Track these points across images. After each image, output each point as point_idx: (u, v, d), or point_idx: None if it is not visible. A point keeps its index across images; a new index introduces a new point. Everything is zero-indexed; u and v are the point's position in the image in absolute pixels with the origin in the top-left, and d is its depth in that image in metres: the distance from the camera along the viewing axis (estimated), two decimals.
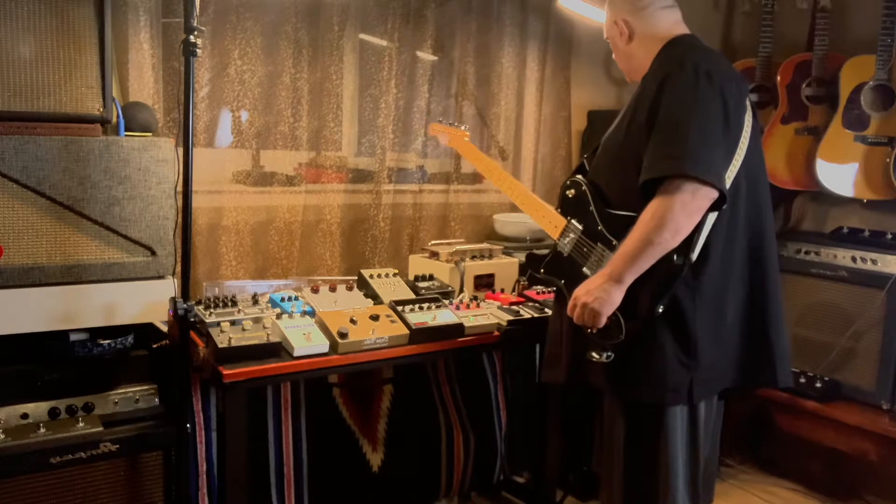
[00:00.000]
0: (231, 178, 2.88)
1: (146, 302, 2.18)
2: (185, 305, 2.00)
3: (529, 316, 2.57)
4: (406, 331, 2.30)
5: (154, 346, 2.29)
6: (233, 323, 2.17)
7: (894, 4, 2.93)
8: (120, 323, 2.17)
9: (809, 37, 3.32)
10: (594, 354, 1.94)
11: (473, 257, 2.84)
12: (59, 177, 2.05)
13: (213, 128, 2.82)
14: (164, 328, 2.33)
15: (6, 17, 2.01)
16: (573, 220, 2.08)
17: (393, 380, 2.79)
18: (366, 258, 3.15)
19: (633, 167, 1.89)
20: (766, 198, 2.04)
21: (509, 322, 2.51)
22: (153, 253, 2.19)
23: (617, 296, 1.85)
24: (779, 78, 3.25)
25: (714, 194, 1.78)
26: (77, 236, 2.09)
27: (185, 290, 2.02)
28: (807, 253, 3.20)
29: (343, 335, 2.19)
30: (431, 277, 2.70)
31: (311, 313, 2.32)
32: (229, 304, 2.29)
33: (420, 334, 2.32)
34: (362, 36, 3.11)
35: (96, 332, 2.18)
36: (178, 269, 2.10)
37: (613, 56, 2.16)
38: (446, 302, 2.51)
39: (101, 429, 2.07)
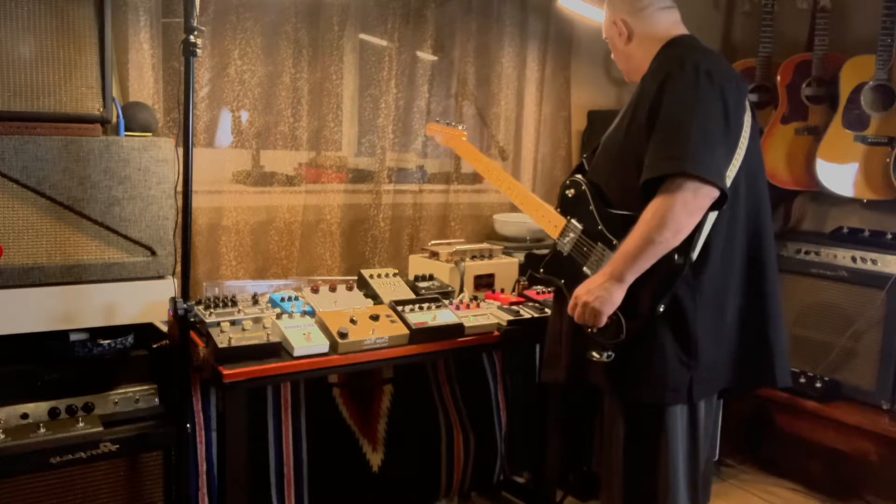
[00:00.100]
0: (231, 178, 2.88)
1: (146, 302, 2.18)
2: (185, 305, 2.00)
3: (529, 316, 2.57)
4: (406, 331, 2.30)
5: (154, 346, 2.29)
6: (233, 323, 2.17)
7: (894, 4, 2.94)
8: (120, 323, 2.17)
9: (809, 37, 3.32)
10: (594, 354, 1.94)
11: (473, 257, 2.84)
12: (59, 177, 2.05)
13: (213, 128, 2.82)
14: (164, 328, 2.33)
15: (6, 17, 2.01)
16: (573, 220, 2.08)
17: (393, 380, 2.79)
18: (366, 258, 3.15)
19: (633, 167, 1.89)
20: (765, 198, 2.04)
21: (509, 322, 2.51)
22: (153, 253, 2.19)
23: (618, 295, 1.85)
24: (779, 78, 3.25)
25: (715, 193, 1.79)
26: (77, 236, 2.09)
27: (185, 290, 2.02)
28: (807, 253, 3.20)
29: (343, 335, 2.19)
30: (431, 277, 2.70)
31: (311, 313, 2.32)
32: (229, 304, 2.29)
33: (420, 334, 2.32)
34: (362, 36, 3.12)
35: (96, 332, 2.18)
36: (178, 269, 2.10)
37: (612, 56, 2.16)
38: (446, 302, 2.51)
39: (101, 429, 2.07)
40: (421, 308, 2.41)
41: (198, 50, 1.95)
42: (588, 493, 2.98)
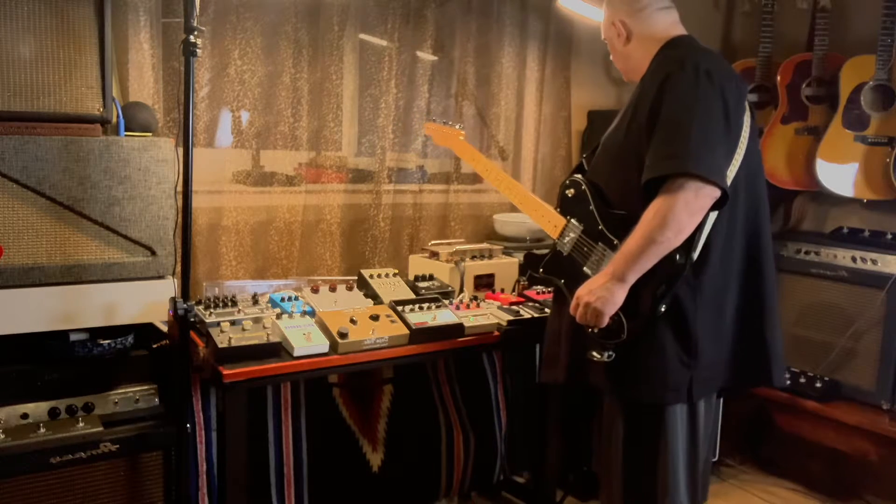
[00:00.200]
0: (231, 178, 2.88)
1: (146, 302, 2.18)
2: (185, 305, 2.00)
3: (529, 316, 2.57)
4: (406, 331, 2.30)
5: (154, 346, 2.28)
6: (233, 323, 2.17)
7: (894, 4, 2.94)
8: (120, 323, 2.17)
9: (809, 37, 3.32)
10: (595, 354, 1.94)
11: (473, 257, 2.84)
12: (59, 177, 2.05)
13: (213, 128, 2.82)
14: (164, 328, 2.33)
15: (6, 17, 2.01)
16: (573, 220, 2.08)
17: (393, 380, 2.79)
18: (366, 258, 3.15)
19: (633, 167, 1.89)
20: (764, 198, 2.04)
21: (509, 322, 2.51)
22: (153, 253, 2.19)
23: (620, 295, 1.85)
24: (779, 78, 3.25)
25: (716, 193, 1.79)
26: (77, 236, 2.09)
27: (185, 290, 2.02)
28: (807, 253, 3.20)
29: (343, 335, 2.19)
30: (431, 277, 2.70)
31: (311, 313, 2.32)
32: (229, 304, 2.29)
33: (420, 334, 2.32)
34: (362, 36, 3.12)
35: (96, 332, 2.18)
36: (178, 269, 2.10)
37: (611, 57, 2.16)
38: (446, 302, 2.51)
39: (101, 429, 2.07)
40: (421, 308, 2.41)
41: (198, 50, 1.95)
42: (588, 493, 2.98)
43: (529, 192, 2.30)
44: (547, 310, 2.55)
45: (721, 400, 3.15)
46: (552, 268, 2.13)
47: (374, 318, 2.31)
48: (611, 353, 1.92)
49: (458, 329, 2.39)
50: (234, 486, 2.14)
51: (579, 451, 2.78)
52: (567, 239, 2.09)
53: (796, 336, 3.20)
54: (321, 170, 3.03)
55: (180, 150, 2.02)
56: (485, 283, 2.82)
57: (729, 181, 1.86)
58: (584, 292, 1.90)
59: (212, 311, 2.23)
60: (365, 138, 3.18)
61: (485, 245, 2.98)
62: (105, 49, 2.14)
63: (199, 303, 2.25)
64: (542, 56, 3.47)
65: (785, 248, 3.27)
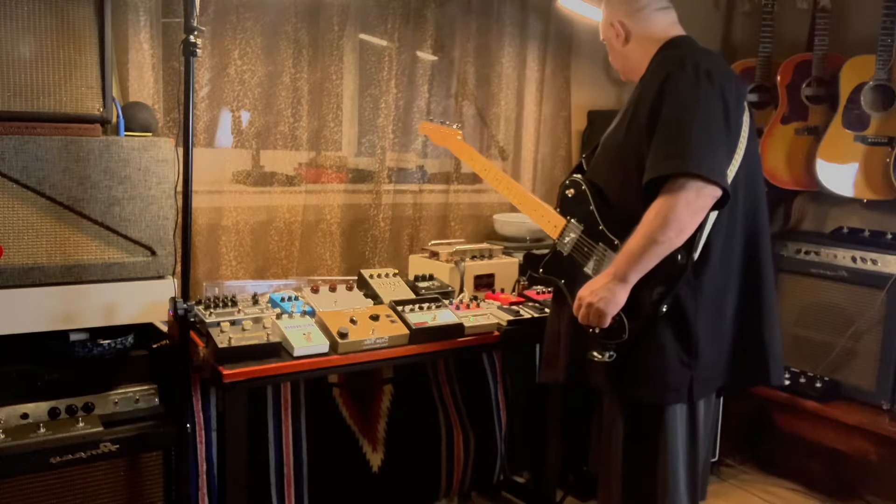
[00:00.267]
0: (231, 178, 2.88)
1: (146, 302, 2.18)
2: (185, 305, 2.00)
3: (529, 316, 2.57)
4: (406, 331, 2.30)
5: (154, 346, 2.28)
6: (233, 323, 2.17)
7: (894, 4, 2.94)
8: (120, 323, 2.17)
9: (809, 37, 3.32)
10: (596, 354, 1.93)
11: (473, 257, 2.84)
12: (59, 177, 2.05)
13: (213, 128, 2.82)
14: (164, 328, 2.33)
15: (6, 17, 2.01)
16: (573, 220, 2.08)
17: (393, 380, 2.79)
18: (366, 258, 3.15)
19: (633, 167, 1.89)
20: (762, 198, 2.04)
21: (509, 322, 2.51)
22: (153, 253, 2.18)
23: (622, 295, 1.85)
24: (779, 78, 3.25)
25: (717, 193, 1.79)
26: (77, 236, 2.09)
27: (185, 290, 2.02)
28: (807, 253, 3.20)
29: (343, 335, 2.19)
30: (431, 277, 2.70)
31: (311, 313, 2.32)
32: (229, 304, 2.29)
33: (420, 334, 2.32)
34: (362, 36, 3.11)
35: (96, 332, 2.18)
36: (178, 269, 2.10)
37: (609, 57, 2.17)
38: (446, 302, 2.51)
39: (101, 429, 2.07)
40: (421, 308, 2.41)
41: (198, 50, 1.95)
42: (588, 493, 2.98)
43: (528, 191, 2.30)
44: (547, 310, 2.55)
45: (721, 400, 3.15)
46: (552, 268, 2.13)
47: (374, 318, 2.31)
48: (612, 353, 1.92)
49: (458, 329, 2.39)
50: (234, 486, 2.14)
51: (579, 451, 2.78)
52: (567, 239, 2.09)
53: (796, 336, 3.20)
54: (321, 170, 3.03)
55: (180, 150, 2.02)
56: (485, 283, 2.82)
57: (729, 181, 1.86)
58: (587, 293, 1.90)
59: (212, 311, 2.22)
60: (365, 138, 3.18)
61: (485, 245, 2.98)
62: (105, 49, 2.14)
63: (199, 303, 2.25)
64: (542, 56, 3.47)
65: (785, 248, 3.27)
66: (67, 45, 2.10)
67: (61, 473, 2.00)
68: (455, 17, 3.25)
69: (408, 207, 3.25)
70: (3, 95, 2.03)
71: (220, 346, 2.05)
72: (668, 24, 2.04)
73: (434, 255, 2.84)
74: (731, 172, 1.88)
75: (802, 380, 3.08)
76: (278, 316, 2.25)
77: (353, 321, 2.26)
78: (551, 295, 2.28)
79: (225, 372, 2.01)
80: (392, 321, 2.32)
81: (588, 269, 2.01)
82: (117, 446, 2.05)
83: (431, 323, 2.35)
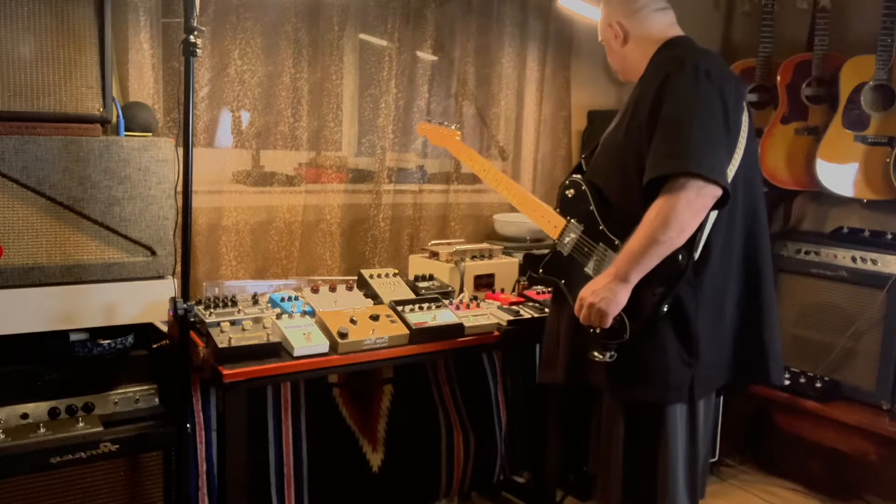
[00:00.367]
0: (231, 178, 2.88)
1: (146, 302, 2.18)
2: (185, 305, 2.00)
3: (529, 316, 2.57)
4: (406, 331, 2.30)
5: (154, 346, 2.28)
6: (233, 323, 2.17)
7: (894, 4, 2.94)
8: (120, 323, 2.17)
9: (809, 37, 3.32)
10: (597, 354, 1.93)
11: (473, 257, 2.84)
12: (59, 177, 2.05)
13: (213, 128, 2.82)
14: (164, 328, 2.33)
15: (6, 17, 2.01)
16: (573, 220, 2.08)
17: (393, 380, 2.79)
18: (366, 258, 3.15)
19: (633, 167, 1.90)
20: (761, 198, 2.05)
21: (509, 322, 2.51)
22: (153, 253, 2.18)
23: (623, 295, 1.85)
24: (779, 78, 3.25)
25: (718, 192, 1.79)
26: (77, 236, 2.09)
27: (185, 290, 2.02)
28: (807, 253, 3.20)
29: (343, 335, 2.19)
30: (431, 277, 2.70)
31: (311, 313, 2.32)
32: (229, 304, 2.29)
33: (420, 334, 2.32)
34: (362, 36, 3.11)
35: (96, 332, 2.18)
36: (178, 269, 2.10)
37: (608, 58, 2.17)
38: (446, 302, 2.51)
39: (101, 429, 2.07)
40: (421, 308, 2.41)
41: (198, 50, 1.95)
42: (588, 493, 2.98)
43: (528, 192, 2.30)
44: (547, 310, 2.55)
45: (721, 399, 3.15)
46: (552, 268, 2.13)
47: (374, 318, 2.31)
48: (613, 353, 1.92)
49: (458, 329, 2.39)
50: (234, 486, 2.14)
51: (579, 451, 2.78)
52: (567, 239, 2.09)
53: (796, 336, 3.21)
54: (321, 170, 3.03)
55: (180, 150, 2.02)
56: (485, 283, 2.82)
57: (728, 181, 1.86)
58: (588, 293, 1.90)
59: (212, 311, 2.22)
60: (365, 138, 3.18)
61: (485, 245, 2.98)
62: (105, 49, 2.14)
63: (199, 303, 2.25)
64: (542, 56, 3.47)
65: (785, 248, 3.27)
66: (67, 45, 2.10)
67: (61, 473, 2.00)
68: (455, 17, 3.25)
69: (408, 207, 3.25)
70: (3, 95, 2.03)
71: (220, 346, 2.05)
72: (666, 25, 2.04)
73: (434, 255, 2.84)
74: (731, 172, 1.88)
75: (802, 380, 3.08)
76: (278, 316, 2.25)
77: (353, 321, 2.26)
78: (551, 295, 2.29)
79: (225, 372, 2.01)
80: (392, 321, 2.32)
81: (588, 270, 2.01)
82: (117, 446, 2.05)
83: (431, 323, 2.35)
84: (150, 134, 2.31)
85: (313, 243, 3.02)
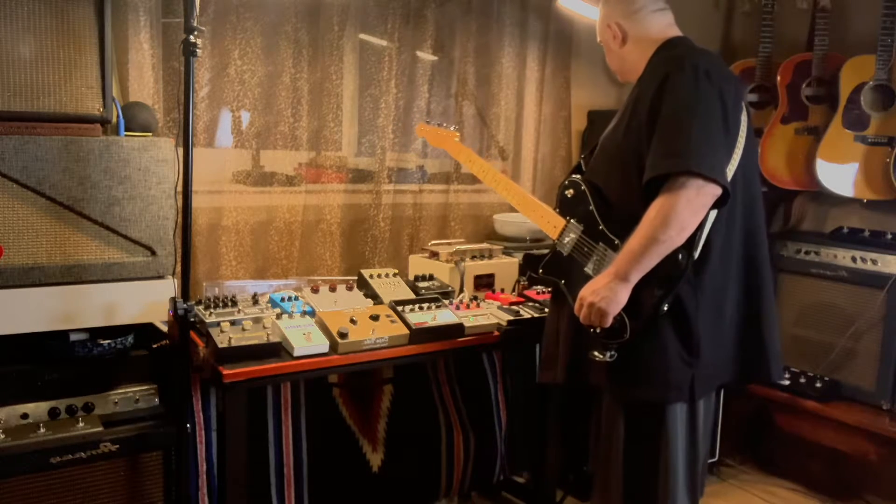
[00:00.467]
0: (231, 178, 2.88)
1: (146, 302, 2.18)
2: (185, 305, 2.00)
3: (529, 316, 2.57)
4: (406, 331, 2.30)
5: (154, 346, 2.28)
6: (233, 323, 2.17)
7: (894, 4, 2.94)
8: (120, 323, 2.17)
9: (809, 37, 3.32)
10: (597, 354, 1.93)
11: (473, 257, 2.84)
12: (59, 177, 2.05)
13: (213, 128, 2.82)
14: (164, 328, 2.33)
15: (6, 17, 2.02)
16: (573, 220, 2.08)
17: (393, 380, 2.79)
18: (366, 258, 3.15)
19: (632, 166, 1.90)
20: (759, 197, 2.05)
21: (509, 322, 2.51)
22: (153, 253, 2.19)
23: (623, 295, 1.85)
24: (779, 78, 3.25)
25: (718, 191, 1.79)
26: (77, 236, 2.09)
27: (185, 290, 2.02)
28: (807, 253, 3.20)
29: (343, 335, 2.19)
30: (431, 277, 2.70)
31: (311, 313, 2.32)
32: (229, 304, 2.29)
33: (420, 334, 2.32)
34: (362, 36, 3.12)
35: (96, 332, 2.18)
36: (178, 269, 2.10)
37: (606, 59, 2.17)
38: (446, 302, 2.51)
39: (101, 429, 2.07)
40: (421, 308, 2.41)
41: (198, 50, 1.95)
42: (588, 493, 2.98)
43: (527, 192, 2.30)
44: (547, 310, 2.55)
45: (720, 399, 3.15)
46: (552, 268, 2.13)
47: (374, 318, 2.31)
48: (613, 352, 1.92)
49: (458, 329, 2.39)
50: (234, 486, 2.14)
51: (579, 451, 2.78)
52: (567, 239, 2.09)
53: (796, 336, 3.21)
54: (321, 170, 3.03)
55: (180, 150, 2.02)
56: (485, 283, 2.82)
57: (728, 180, 1.86)
58: (588, 292, 1.90)
59: (212, 311, 2.22)
60: (365, 138, 3.18)
61: (485, 245, 2.98)
62: (105, 49, 2.14)
63: (199, 303, 2.25)
64: (542, 56, 3.47)
65: (785, 248, 3.27)
66: (67, 45, 2.10)
67: (61, 473, 2.00)
68: (455, 17, 3.25)
69: (408, 207, 3.25)
70: (3, 95, 2.03)
71: (220, 346, 2.05)
72: (665, 26, 2.04)
73: (434, 255, 2.84)
74: (730, 171, 1.88)
75: (802, 380, 3.08)
76: (278, 316, 2.25)
77: (353, 321, 2.26)
78: (550, 295, 2.29)
79: (225, 372, 2.01)
80: (392, 321, 2.32)
81: (588, 269, 2.01)
82: (117, 446, 2.05)
83: (431, 323, 2.35)
84: (150, 134, 2.31)
85: (313, 243, 3.02)
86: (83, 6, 2.11)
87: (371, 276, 2.59)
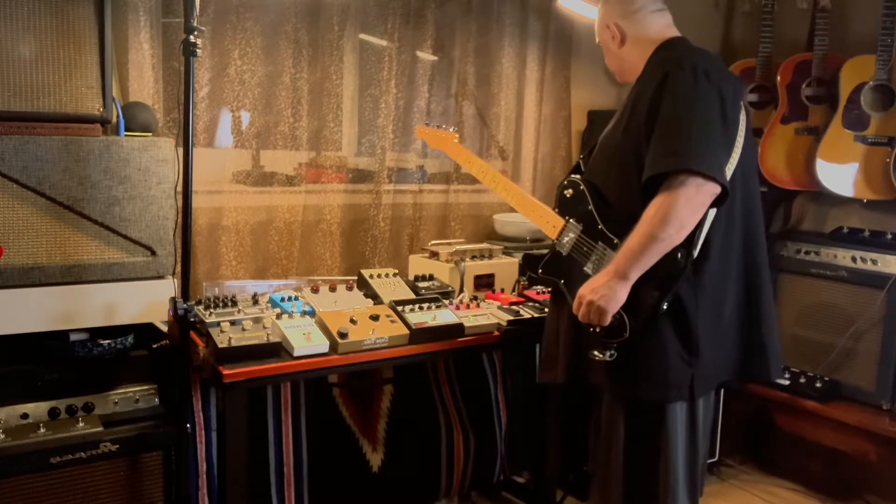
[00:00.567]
0: (231, 178, 2.88)
1: (146, 302, 2.19)
2: (185, 305, 2.01)
3: (529, 316, 2.57)
4: (406, 331, 2.30)
5: (154, 346, 2.29)
6: (233, 323, 2.17)
7: (894, 4, 2.94)
8: (120, 323, 2.17)
9: (809, 37, 3.32)
10: (597, 353, 1.93)
11: (473, 257, 2.84)
12: (59, 177, 2.05)
13: (213, 128, 2.82)
14: (164, 328, 2.33)
15: (6, 17, 2.02)
16: (572, 220, 2.09)
17: (393, 380, 2.79)
18: (366, 258, 3.15)
19: (631, 165, 1.90)
20: (758, 197, 2.06)
21: (509, 322, 2.51)
22: (153, 253, 2.19)
23: (622, 293, 1.85)
24: (779, 78, 3.25)
25: (717, 189, 1.79)
26: (77, 236, 2.09)
27: (185, 290, 2.02)
28: (807, 253, 3.20)
29: (343, 335, 2.19)
30: (431, 277, 2.70)
31: (311, 313, 2.32)
32: (229, 304, 2.29)
33: (420, 334, 2.32)
34: (362, 36, 3.12)
35: (96, 332, 2.18)
36: (178, 269, 2.10)
37: (605, 59, 2.18)
38: (446, 302, 2.51)
39: (101, 429, 2.07)
40: (421, 308, 2.41)
41: (198, 50, 1.95)
42: (588, 493, 2.98)
43: (527, 193, 2.30)
44: (547, 310, 2.55)
45: (720, 399, 3.15)
46: (551, 268, 2.13)
47: (374, 318, 2.31)
48: (613, 351, 1.92)
49: (458, 329, 2.39)
50: (234, 486, 2.15)
51: (579, 451, 2.78)
52: (566, 239, 2.09)
53: (796, 336, 3.21)
54: (321, 170, 3.03)
55: (180, 150, 2.02)
56: (485, 283, 2.82)
57: (727, 179, 1.86)
58: (587, 291, 1.90)
59: (212, 311, 2.22)
60: (365, 138, 3.18)
61: (485, 245, 2.98)
62: (105, 49, 2.14)
63: (199, 303, 2.25)
64: (542, 56, 3.47)
65: (785, 248, 3.27)
66: (67, 45, 2.10)
67: (61, 473, 2.00)
68: (455, 17, 3.25)
69: (408, 207, 3.25)
70: (3, 95, 2.03)
71: (220, 346, 2.05)
72: (663, 26, 2.05)
73: (434, 255, 2.84)
74: (729, 170, 1.89)
75: (802, 380, 3.08)
76: (278, 316, 2.25)
77: (353, 321, 2.26)
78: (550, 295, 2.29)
79: (225, 372, 2.01)
80: (392, 321, 2.32)
81: (588, 269, 2.01)
82: (117, 446, 2.06)
83: (431, 323, 2.35)
84: (150, 134, 2.31)
85: (313, 243, 3.02)
86: (83, 6, 2.11)
87: (371, 276, 2.59)
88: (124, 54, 2.53)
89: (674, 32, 2.05)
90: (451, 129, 2.52)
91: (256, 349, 2.10)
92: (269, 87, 2.86)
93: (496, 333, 2.48)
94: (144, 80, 2.56)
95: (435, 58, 3.23)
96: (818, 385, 3.04)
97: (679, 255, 1.83)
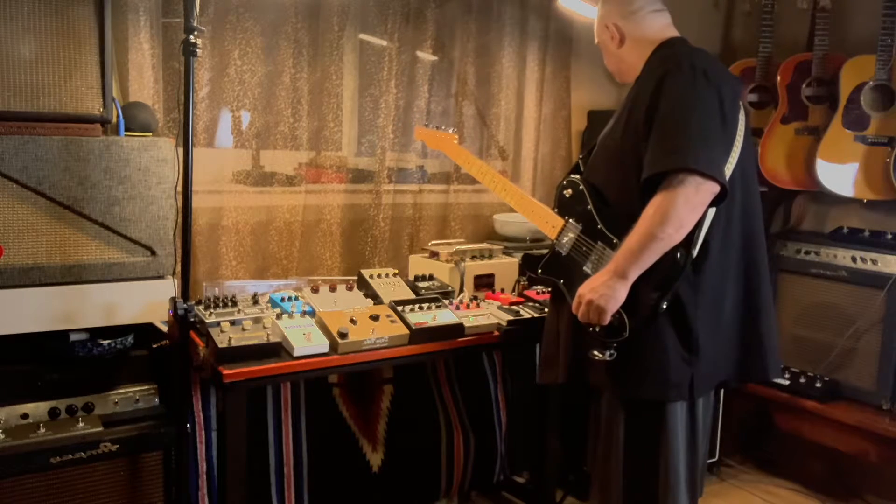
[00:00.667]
0: (231, 178, 2.88)
1: (146, 302, 2.19)
2: (185, 305, 2.01)
3: (529, 316, 2.57)
4: (406, 331, 2.30)
5: (154, 346, 2.29)
6: (233, 323, 2.17)
7: (894, 4, 2.94)
8: (120, 323, 2.17)
9: (809, 37, 3.32)
10: (596, 353, 1.93)
11: (473, 257, 2.84)
12: (59, 177, 2.05)
13: (213, 128, 2.82)
14: (164, 328, 2.33)
15: (6, 17, 2.02)
16: (571, 220, 2.09)
17: (393, 380, 2.79)
18: (366, 258, 3.15)
19: (630, 165, 1.90)
20: (757, 196, 2.06)
21: (509, 322, 2.51)
22: (153, 253, 2.19)
23: (622, 292, 1.85)
24: (779, 78, 3.25)
25: (716, 188, 1.79)
26: (77, 236, 2.10)
27: (185, 290, 2.02)
28: (807, 253, 3.20)
29: (343, 335, 2.19)
30: (431, 277, 2.70)
31: (311, 313, 2.32)
32: (229, 304, 2.29)
33: (420, 334, 2.32)
34: (362, 36, 3.12)
35: (96, 332, 2.18)
36: (178, 269, 2.10)
37: (604, 59, 2.18)
38: (446, 302, 2.51)
39: (101, 429, 2.07)
40: (421, 308, 2.41)
41: (198, 50, 1.96)
42: (588, 493, 2.98)
43: (526, 193, 2.30)
44: (547, 310, 2.55)
45: (720, 399, 3.15)
46: (551, 268, 2.13)
47: (374, 318, 2.31)
48: (612, 351, 1.92)
49: (458, 329, 2.39)
50: (234, 485, 2.14)
51: (579, 451, 2.78)
52: (566, 239, 2.09)
53: (796, 336, 3.21)
54: (321, 170, 3.03)
55: (180, 150, 2.03)
56: (485, 283, 2.82)
57: (726, 178, 1.86)
58: (586, 290, 1.90)
59: (212, 311, 2.22)
60: (365, 138, 3.18)
61: (485, 245, 2.98)
62: (105, 49, 2.14)
63: (199, 303, 2.25)
64: (542, 56, 3.47)
65: (785, 248, 3.27)
66: (67, 45, 2.10)
67: (61, 473, 2.00)
68: (455, 17, 3.25)
69: (408, 207, 3.25)
70: (3, 95, 2.03)
71: (220, 346, 2.05)
72: (662, 26, 2.05)
73: (434, 255, 2.84)
74: (728, 170, 1.89)
75: (802, 380, 3.08)
76: (278, 316, 2.25)
77: (353, 321, 2.26)
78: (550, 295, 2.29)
79: (225, 372, 2.01)
80: (392, 321, 2.32)
81: (587, 269, 2.01)
82: (117, 446, 2.06)
83: (431, 323, 2.35)
84: (150, 134, 2.31)
85: (313, 243, 3.02)
86: (83, 6, 2.11)
87: (371, 276, 2.59)
88: (124, 54, 2.53)
89: (673, 32, 2.05)
90: (450, 130, 2.51)
91: (256, 349, 2.10)
92: (269, 87, 2.86)
93: (496, 333, 2.48)
94: (144, 80, 2.56)
95: (435, 58, 3.23)
96: (818, 385, 3.04)
97: (678, 254, 1.83)
